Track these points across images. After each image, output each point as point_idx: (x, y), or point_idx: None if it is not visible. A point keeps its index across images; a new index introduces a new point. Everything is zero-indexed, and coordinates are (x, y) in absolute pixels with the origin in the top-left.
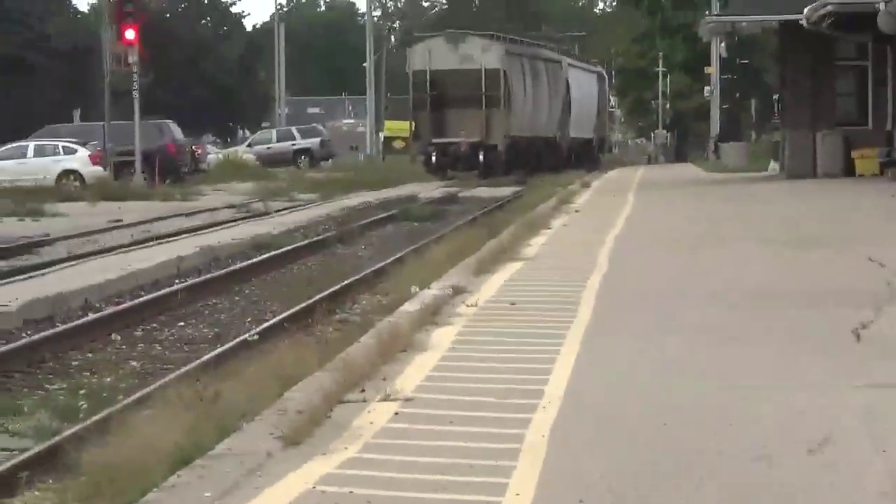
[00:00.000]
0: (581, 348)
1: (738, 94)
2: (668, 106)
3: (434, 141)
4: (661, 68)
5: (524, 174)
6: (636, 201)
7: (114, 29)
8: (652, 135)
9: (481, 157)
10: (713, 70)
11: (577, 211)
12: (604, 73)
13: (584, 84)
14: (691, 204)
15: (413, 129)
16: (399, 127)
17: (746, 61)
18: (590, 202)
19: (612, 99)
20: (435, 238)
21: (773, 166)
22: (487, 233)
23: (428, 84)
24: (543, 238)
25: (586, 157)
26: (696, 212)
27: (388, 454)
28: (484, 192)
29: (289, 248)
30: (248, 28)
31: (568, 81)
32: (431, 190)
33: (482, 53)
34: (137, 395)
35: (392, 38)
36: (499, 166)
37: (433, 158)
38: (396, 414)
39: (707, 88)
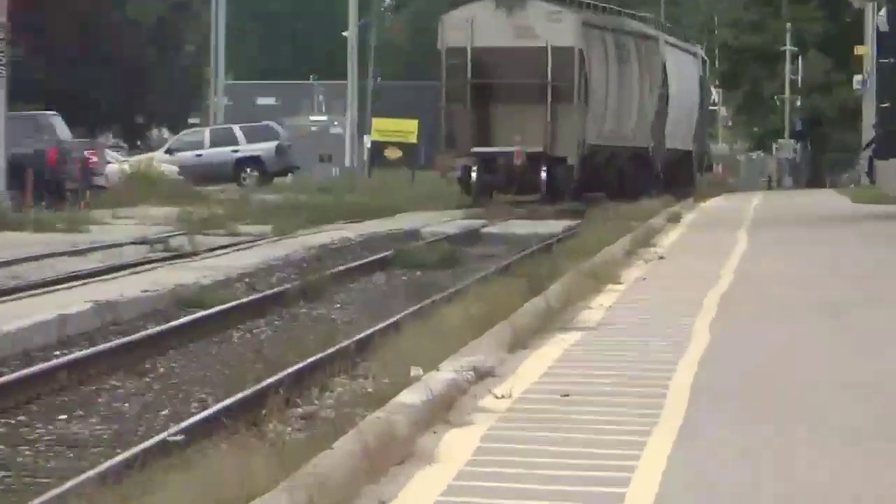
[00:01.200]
0: (668, 468)
1: None
2: (798, 104)
3: (476, 150)
4: (788, 47)
5: (597, 200)
6: (750, 246)
7: None
8: (773, 146)
9: (543, 175)
10: (867, 50)
11: (661, 257)
12: (703, 54)
13: (684, 71)
14: (834, 253)
15: (445, 132)
16: (394, 127)
17: None
18: (681, 244)
19: (713, 93)
20: (448, 294)
21: None
22: (527, 287)
23: (469, 68)
24: (611, 297)
25: (682, 176)
26: (840, 266)
27: None
28: (522, 226)
29: (227, 305)
30: None
31: (665, 68)
32: (442, 222)
33: (549, 24)
34: None
35: None
36: (569, 188)
37: (473, 175)
38: None
39: (858, 78)
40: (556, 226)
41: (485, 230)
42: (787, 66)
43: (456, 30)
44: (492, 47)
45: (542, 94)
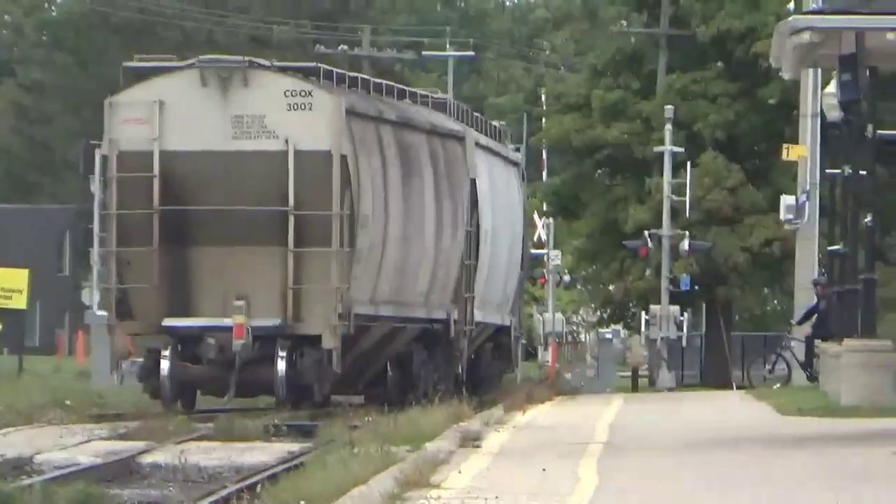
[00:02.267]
0: None
1: (868, 218)
2: (686, 246)
3: (169, 324)
4: (670, 147)
5: (340, 410)
6: (602, 490)
7: None
8: (643, 318)
9: (282, 367)
10: (804, 152)
11: None
12: (518, 158)
13: (501, 194)
14: None
15: (116, 294)
16: None
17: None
18: (483, 487)
19: (538, 226)
20: None
21: None
22: None
23: (157, 186)
24: None
25: (492, 368)
26: None
27: None
28: (209, 453)
29: None
30: None
31: (476, 188)
32: (73, 445)
33: (291, 114)
34: None
35: None
36: (324, 388)
37: (164, 369)
38: None
39: (787, 201)
40: (267, 452)
41: (146, 459)
42: (667, 181)
43: (134, 123)
44: (195, 151)
45: (281, 231)
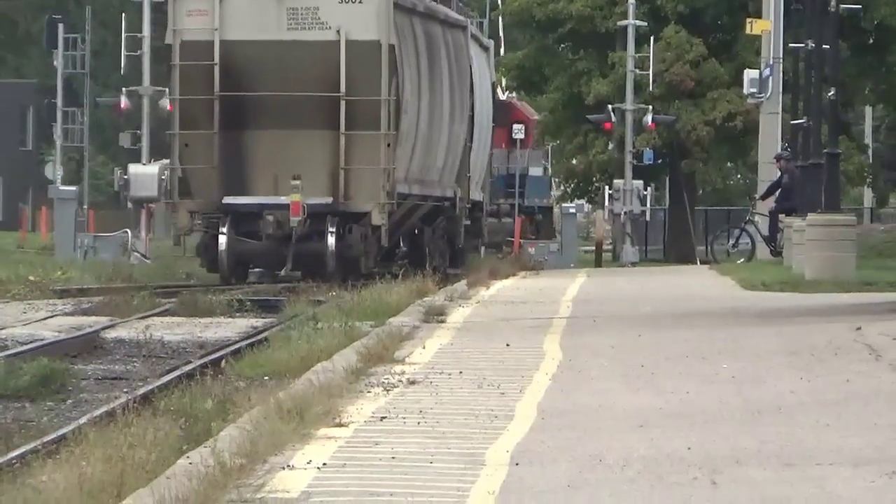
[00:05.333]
0: None
1: (831, 92)
2: (647, 118)
3: (229, 202)
4: (633, 21)
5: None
6: (565, 364)
7: None
8: (606, 193)
9: (331, 243)
10: (767, 27)
11: (412, 382)
12: (490, 44)
13: (484, 80)
14: (706, 379)
15: (179, 174)
16: None
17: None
18: (447, 360)
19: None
20: (48, 442)
21: None
22: (182, 432)
23: (217, 74)
24: (327, 450)
25: (465, 243)
26: (714, 401)
27: None
28: (173, 328)
29: None
30: None
31: (472, 74)
32: (37, 320)
33: (342, 7)
34: None
35: None
36: (366, 262)
37: (223, 244)
38: None
39: (751, 75)
40: (231, 328)
41: (110, 334)
42: (630, 55)
43: (196, 14)
44: (253, 41)
45: (331, 116)
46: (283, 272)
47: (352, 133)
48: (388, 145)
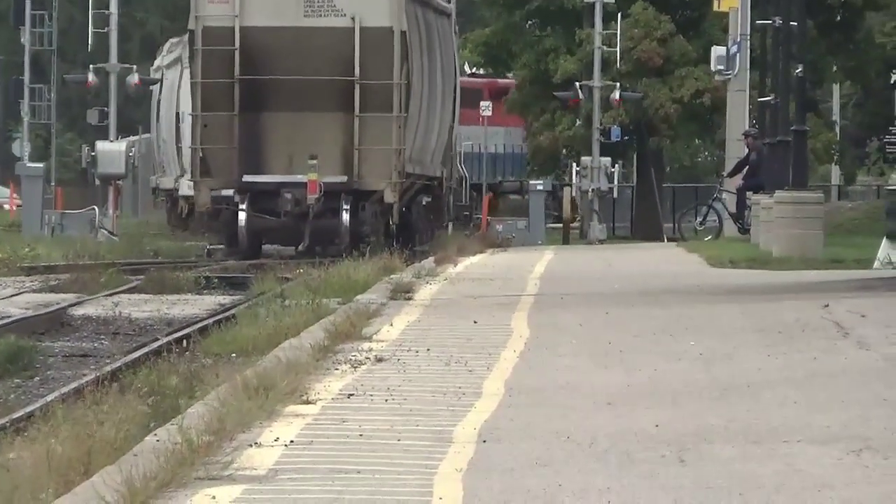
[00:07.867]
0: None
1: (798, 69)
2: (616, 96)
3: (248, 180)
4: None
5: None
6: (532, 341)
7: None
8: (573, 169)
9: (345, 220)
10: (735, 2)
11: (379, 359)
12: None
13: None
14: (673, 355)
15: (199, 154)
16: None
17: None
18: (414, 337)
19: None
20: (16, 420)
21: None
22: (149, 409)
23: (237, 58)
24: (294, 427)
25: (434, 220)
26: (681, 378)
27: None
28: (140, 305)
29: None
30: None
31: (455, 55)
32: (3, 296)
33: None
34: None
35: None
36: (381, 238)
37: (243, 220)
38: None
39: (718, 51)
40: (198, 305)
41: (77, 311)
42: (598, 32)
43: (217, 2)
44: (271, 27)
45: (345, 98)
46: (301, 247)
47: (365, 115)
48: (399, 127)
